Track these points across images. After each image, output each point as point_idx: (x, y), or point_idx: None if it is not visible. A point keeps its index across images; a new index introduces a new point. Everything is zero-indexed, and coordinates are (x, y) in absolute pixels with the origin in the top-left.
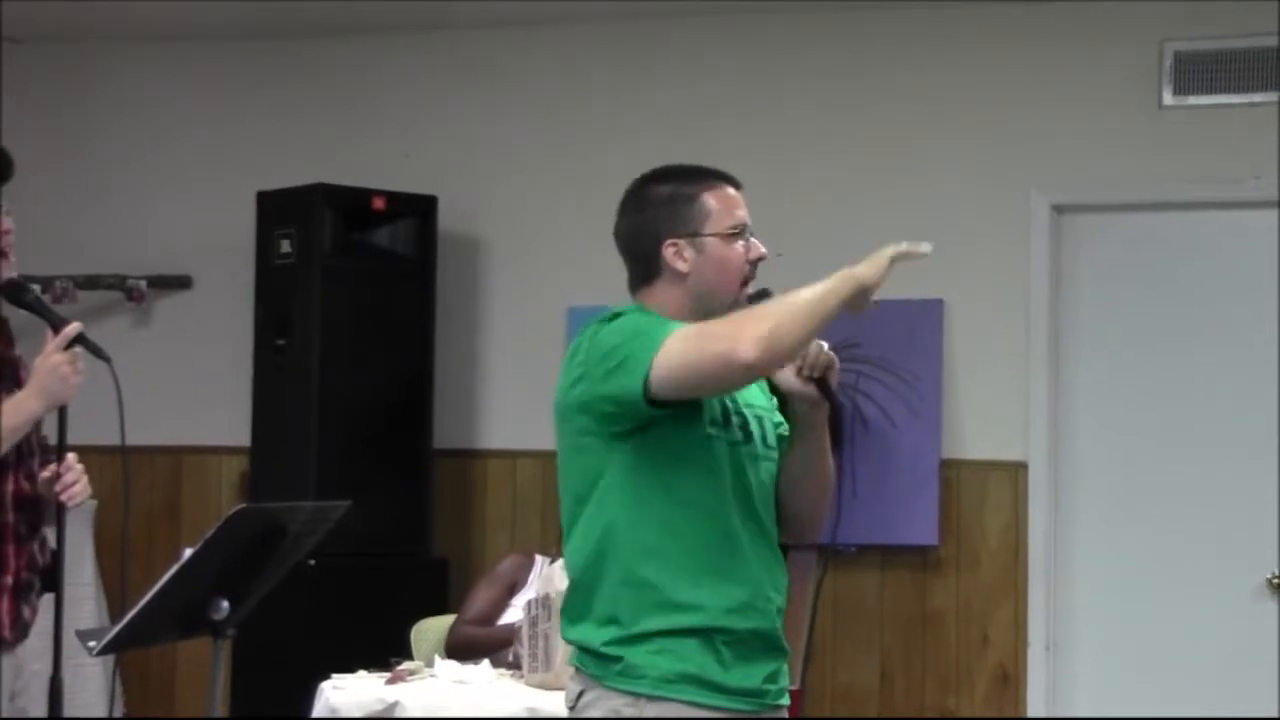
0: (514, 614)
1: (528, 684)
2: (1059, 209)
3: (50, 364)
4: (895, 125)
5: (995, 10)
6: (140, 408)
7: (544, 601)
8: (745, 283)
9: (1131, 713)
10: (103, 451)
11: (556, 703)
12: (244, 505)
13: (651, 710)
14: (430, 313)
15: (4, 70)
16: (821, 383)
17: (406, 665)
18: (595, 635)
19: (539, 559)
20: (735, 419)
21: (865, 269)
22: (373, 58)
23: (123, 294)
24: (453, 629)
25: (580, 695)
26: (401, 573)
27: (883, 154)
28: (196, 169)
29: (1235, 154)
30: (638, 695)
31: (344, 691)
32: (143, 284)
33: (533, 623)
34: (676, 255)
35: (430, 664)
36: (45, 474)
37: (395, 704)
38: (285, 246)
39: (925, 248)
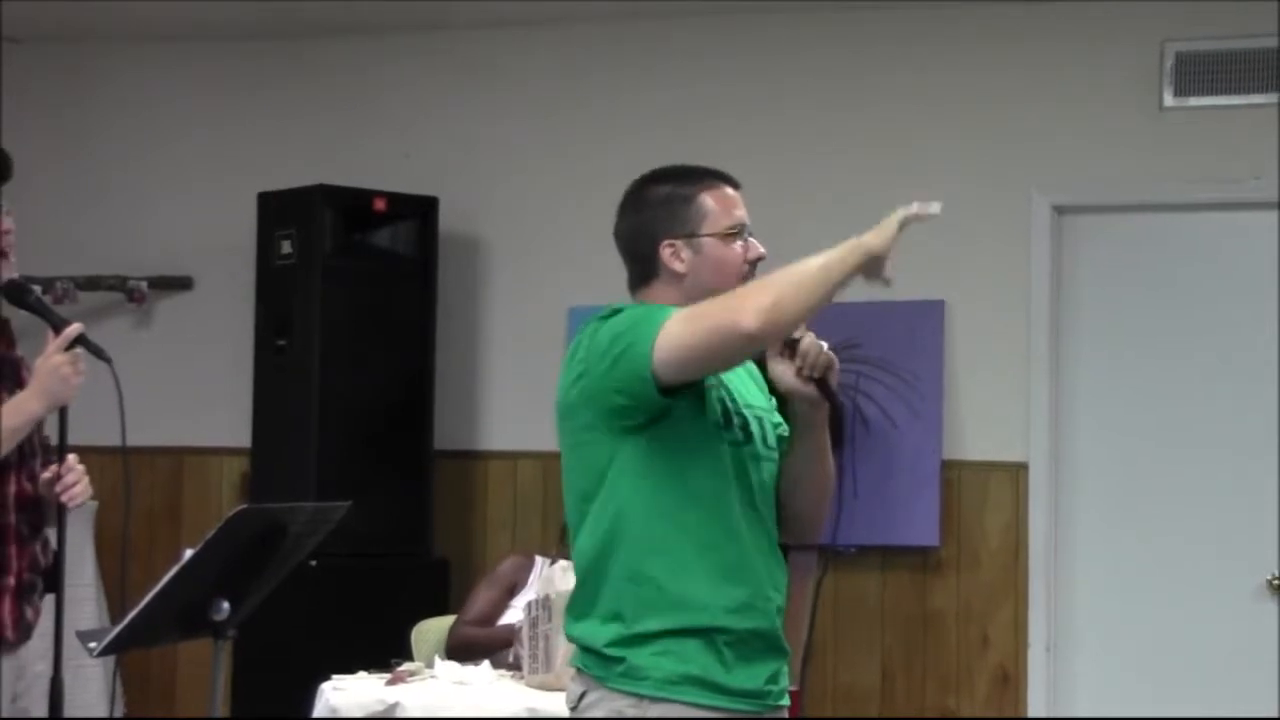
0: (514, 615)
1: (528, 685)
2: (1059, 209)
3: (51, 365)
4: (895, 125)
5: (995, 10)
6: (141, 408)
7: (544, 602)
8: (743, 283)
9: (1131, 713)
10: (103, 452)
11: (557, 704)
12: (245, 506)
13: (654, 711)
14: (431, 313)
15: (4, 70)
16: (822, 383)
17: (407, 666)
18: (598, 633)
19: (539, 560)
20: (735, 419)
21: (873, 237)
22: (373, 58)
23: (123, 295)
24: (452, 630)
25: (582, 696)
26: (402, 573)
27: (883, 154)
28: (197, 169)
29: (1236, 155)
30: (640, 696)
31: (344, 692)
32: (143, 285)
33: (533, 624)
34: (674, 256)
35: (431, 665)
36: (46, 475)
37: (395, 705)
38: (286, 247)
39: (935, 207)
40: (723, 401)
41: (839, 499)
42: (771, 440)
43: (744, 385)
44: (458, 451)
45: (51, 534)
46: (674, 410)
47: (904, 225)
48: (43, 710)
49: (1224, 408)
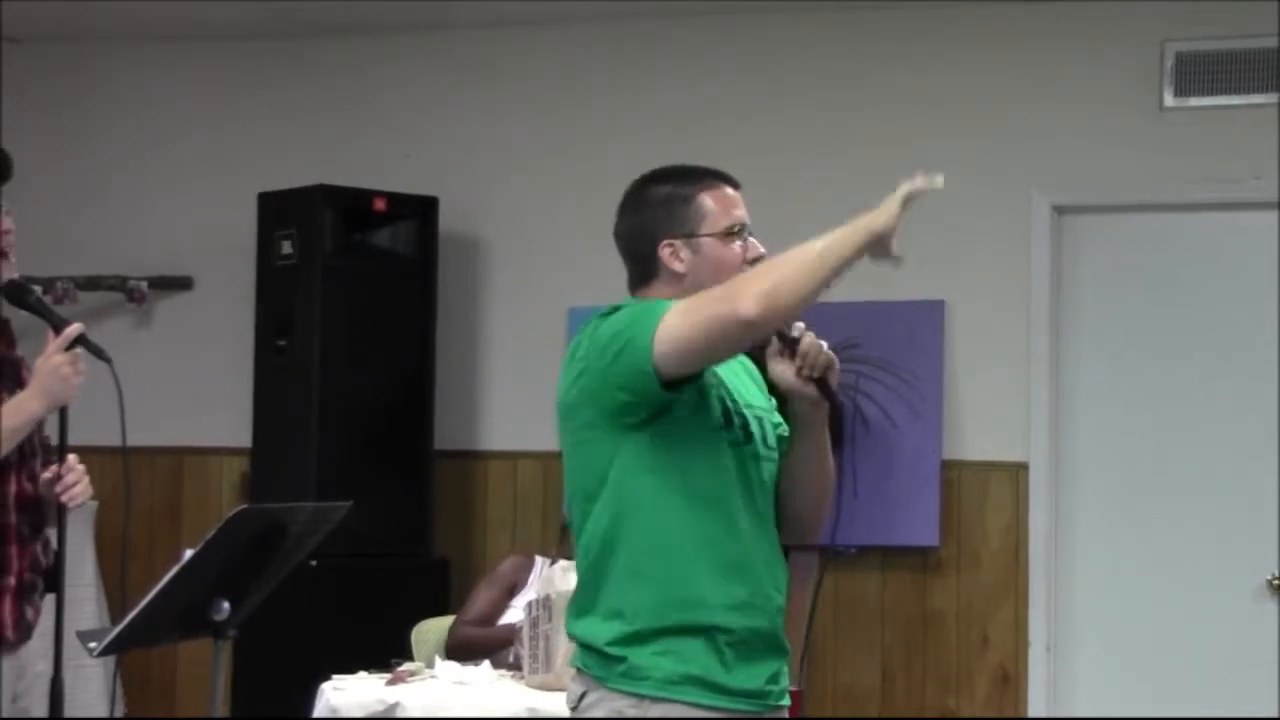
0: (514, 615)
1: (528, 685)
2: (1060, 210)
3: (51, 365)
4: (895, 125)
5: (995, 10)
6: (141, 408)
7: (544, 602)
8: None
9: (1131, 713)
10: (103, 452)
11: (557, 703)
12: (245, 506)
13: (655, 711)
14: (431, 313)
15: (4, 70)
16: (822, 383)
17: (407, 666)
18: (600, 631)
19: (539, 560)
20: (736, 419)
21: (877, 216)
22: (373, 58)
23: (123, 295)
24: (452, 629)
25: (583, 696)
26: (402, 573)
27: (883, 154)
28: (197, 169)
29: (1236, 155)
30: (641, 697)
31: (345, 692)
32: (143, 285)
33: (533, 624)
34: (673, 256)
35: (431, 665)
36: (46, 475)
37: (396, 705)
38: (286, 247)
39: (938, 180)
40: (723, 401)
41: (839, 499)
42: (771, 440)
43: (744, 386)
44: (458, 451)
45: (52, 534)
46: (675, 407)
47: (908, 201)
48: (43, 710)
49: (1224, 408)
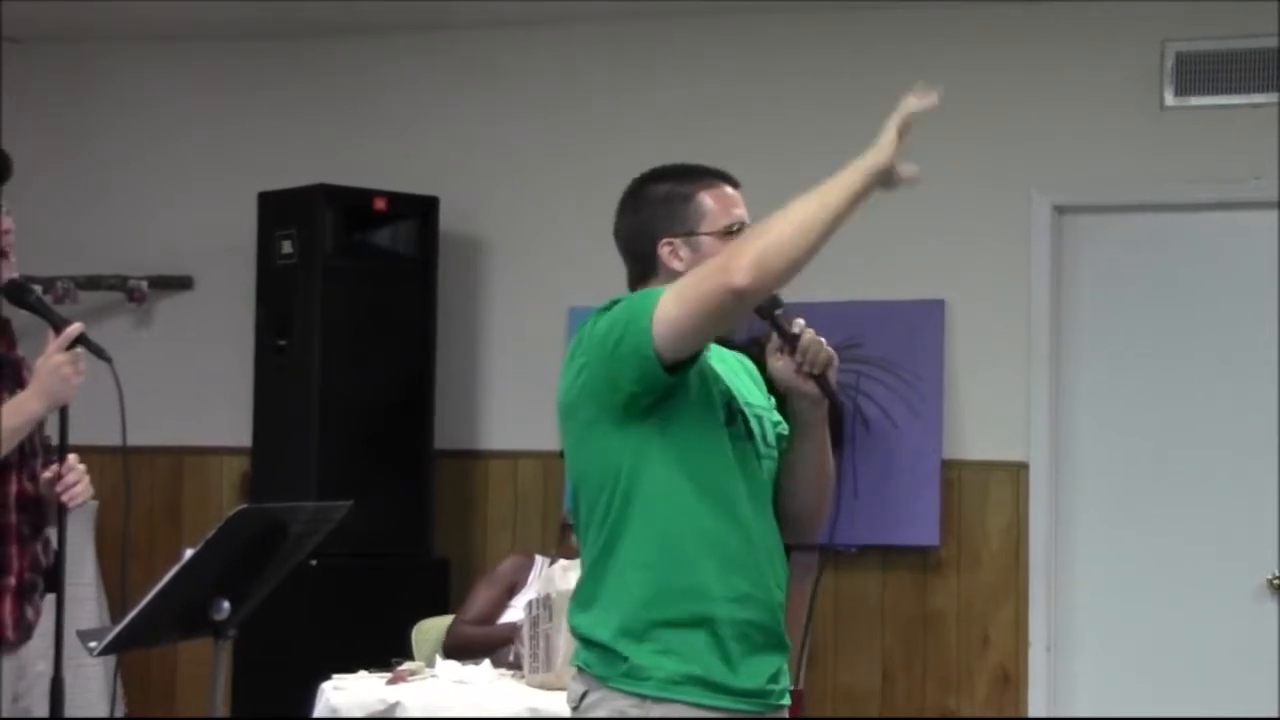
0: (514, 614)
1: (529, 684)
2: (1060, 209)
3: (52, 364)
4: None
5: (995, 10)
6: (141, 408)
7: (545, 602)
8: None
9: (1131, 713)
10: (104, 452)
11: (558, 703)
12: (245, 505)
13: (657, 711)
14: (431, 313)
15: (4, 70)
16: (821, 379)
17: (407, 665)
18: (602, 623)
19: (539, 559)
20: (737, 416)
21: (872, 154)
22: (373, 58)
23: (124, 294)
24: (451, 629)
25: (584, 696)
26: (402, 573)
27: None
28: (197, 169)
29: (1236, 154)
30: (643, 697)
31: (345, 692)
32: (144, 284)
33: (534, 623)
34: (672, 254)
35: (431, 664)
36: (47, 474)
37: (396, 704)
38: (286, 247)
39: (933, 98)
40: (725, 397)
41: (839, 499)
42: (771, 439)
43: (743, 384)
44: (458, 451)
45: (52, 534)
46: (679, 394)
47: (903, 129)
48: (44, 710)
49: (1224, 408)
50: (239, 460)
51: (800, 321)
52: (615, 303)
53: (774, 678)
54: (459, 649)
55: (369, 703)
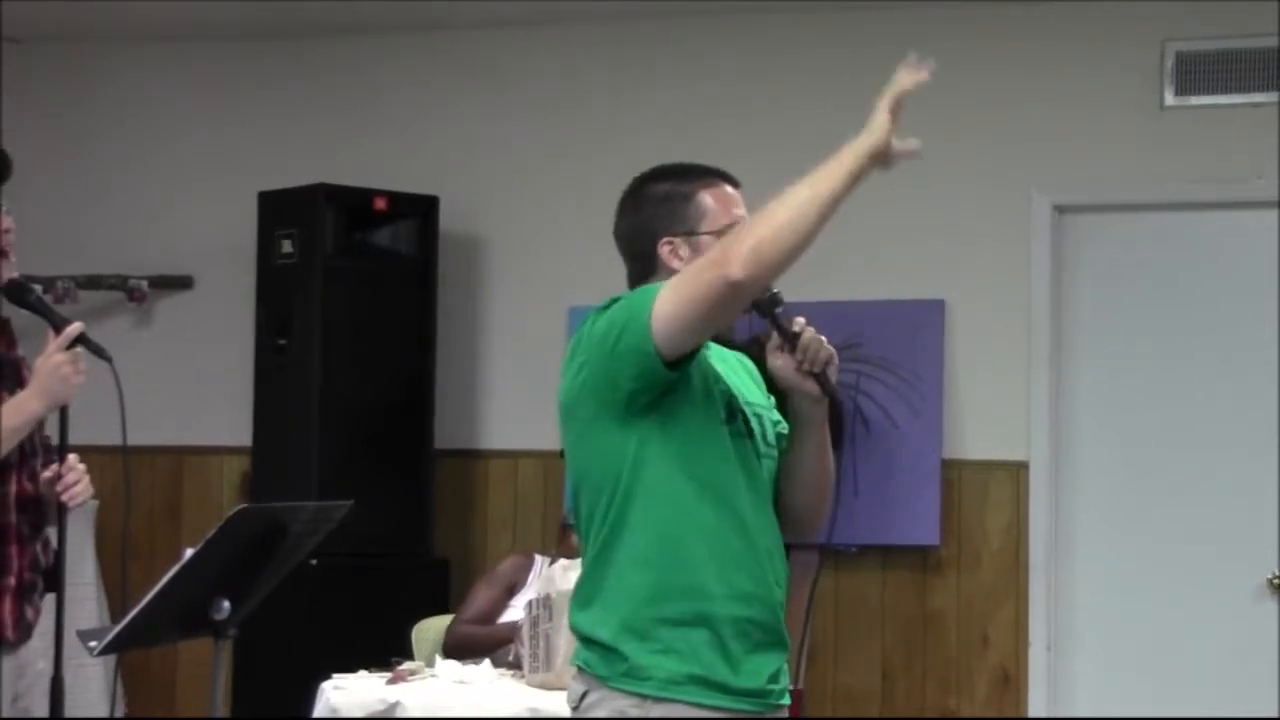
0: (514, 614)
1: (529, 684)
2: (1060, 209)
3: (52, 364)
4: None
5: (995, 10)
6: (141, 408)
7: (545, 601)
8: None
9: (1131, 713)
10: (104, 451)
11: (558, 703)
12: (245, 505)
13: (657, 711)
14: (431, 313)
15: (4, 70)
16: (821, 378)
17: (407, 665)
18: (603, 621)
19: (539, 559)
20: (737, 415)
21: (865, 136)
22: (373, 58)
23: (124, 294)
24: (450, 628)
25: (584, 696)
26: (403, 573)
27: None
28: (197, 169)
29: (1236, 154)
30: (644, 697)
31: (345, 691)
32: (144, 284)
33: (534, 622)
34: (672, 254)
35: (431, 664)
36: (47, 474)
37: (396, 704)
38: (286, 246)
39: (924, 73)
40: (725, 395)
41: (838, 498)
42: (771, 438)
43: (743, 383)
44: (458, 451)
45: (52, 533)
46: (680, 391)
47: (896, 107)
48: (44, 710)
49: (1224, 408)
50: (239, 460)
51: (800, 320)
52: (614, 301)
53: (774, 677)
54: (458, 648)
55: (369, 702)
